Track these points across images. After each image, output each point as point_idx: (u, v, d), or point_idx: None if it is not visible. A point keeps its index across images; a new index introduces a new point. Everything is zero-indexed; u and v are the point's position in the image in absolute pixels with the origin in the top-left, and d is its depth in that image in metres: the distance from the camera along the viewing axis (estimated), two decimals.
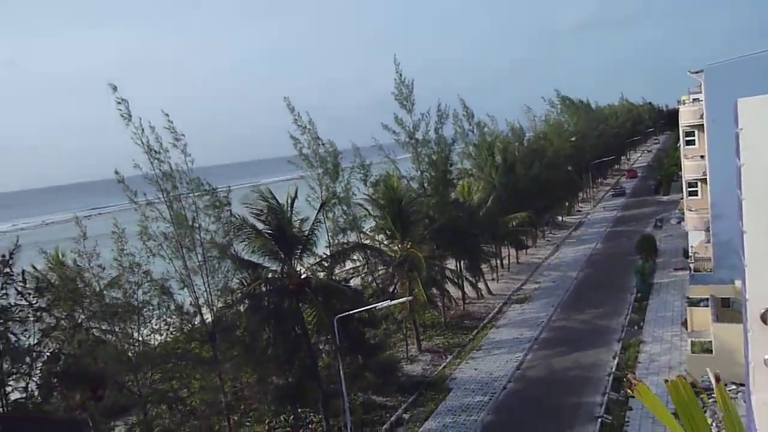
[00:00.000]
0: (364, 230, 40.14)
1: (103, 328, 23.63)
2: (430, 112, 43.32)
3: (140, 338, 23.92)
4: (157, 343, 24.20)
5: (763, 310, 3.27)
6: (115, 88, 23.21)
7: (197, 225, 25.37)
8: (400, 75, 41.22)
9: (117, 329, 23.31)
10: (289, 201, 31.09)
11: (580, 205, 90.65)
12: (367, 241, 39.17)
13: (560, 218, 78.57)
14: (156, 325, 23.95)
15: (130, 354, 23.59)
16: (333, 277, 31.39)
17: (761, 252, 3.24)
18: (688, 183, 51.09)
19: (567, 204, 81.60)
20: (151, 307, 23.83)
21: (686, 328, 35.48)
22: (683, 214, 56.15)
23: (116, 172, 23.59)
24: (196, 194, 25.53)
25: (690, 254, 51.84)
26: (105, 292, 23.46)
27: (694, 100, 53.96)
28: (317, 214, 31.39)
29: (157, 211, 24.62)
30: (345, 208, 36.45)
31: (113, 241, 23.58)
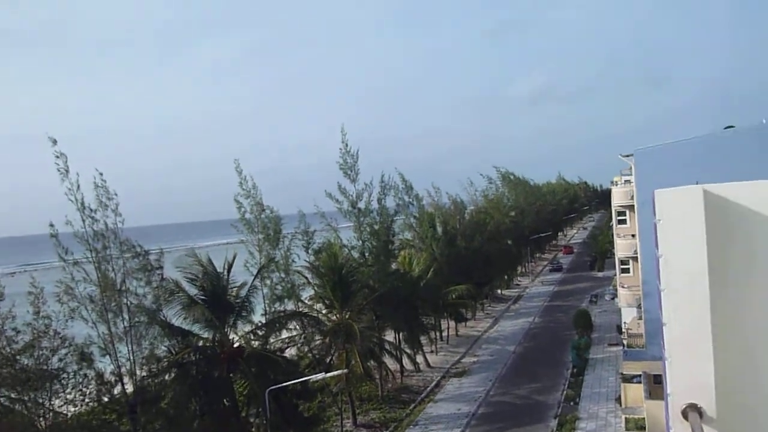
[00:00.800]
0: (302, 299, 39.39)
1: (12, 396, 21.89)
2: (373, 183, 43.74)
3: (52, 409, 22.22)
4: (70, 415, 22.54)
5: (684, 406, 3.16)
6: (54, 142, 22.52)
7: (125, 288, 24.31)
8: (346, 145, 41.71)
9: (27, 398, 21.62)
10: (227, 266, 30.40)
11: (519, 278, 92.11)
12: (305, 310, 38.39)
13: (499, 291, 79.48)
14: (71, 394, 22.34)
15: (40, 426, 21.84)
16: (267, 347, 30.43)
17: (681, 346, 3.16)
18: (621, 261, 52.75)
19: (506, 277, 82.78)
20: (67, 375, 22.30)
21: (620, 404, 35.72)
22: (617, 290, 57.70)
23: (51, 225, 22.58)
24: (126, 256, 24.58)
25: (623, 330, 52.96)
26: (18, 357, 21.88)
27: (625, 181, 56.53)
28: (254, 280, 30.67)
29: (84, 272, 23.54)
30: (283, 275, 35.79)
31: (29, 303, 22.22)
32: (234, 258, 31.45)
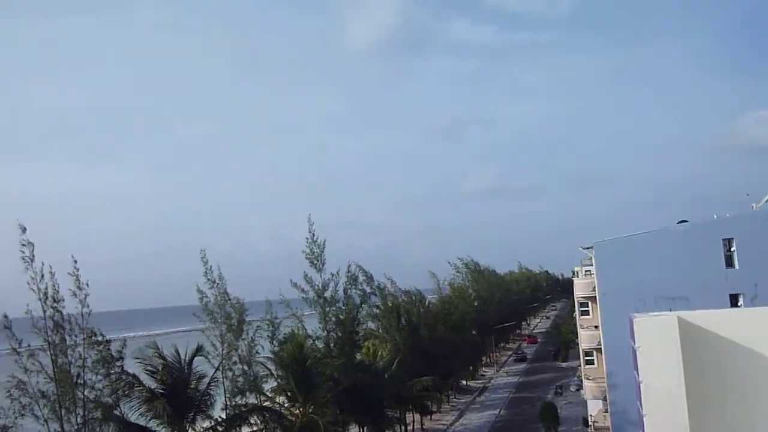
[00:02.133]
0: (264, 391, 38.24)
1: None
2: (340, 272, 43.74)
3: None
4: None
5: None
6: (24, 230, 22.16)
7: (82, 381, 23.36)
8: (313, 234, 41.93)
9: None
10: (187, 359, 29.60)
11: (483, 369, 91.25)
12: (267, 404, 37.18)
13: (464, 382, 78.41)
14: None
15: None
16: None
17: None
18: (585, 352, 53.03)
19: (471, 368, 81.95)
20: None
21: None
22: (582, 381, 57.62)
23: (5, 316, 21.82)
24: (86, 346, 23.78)
25: (590, 423, 52.50)
26: None
27: (586, 272, 57.77)
28: (214, 372, 29.83)
29: (39, 365, 22.61)
30: (246, 367, 34.88)
31: None
32: (197, 350, 30.68)
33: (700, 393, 3.01)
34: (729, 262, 40.13)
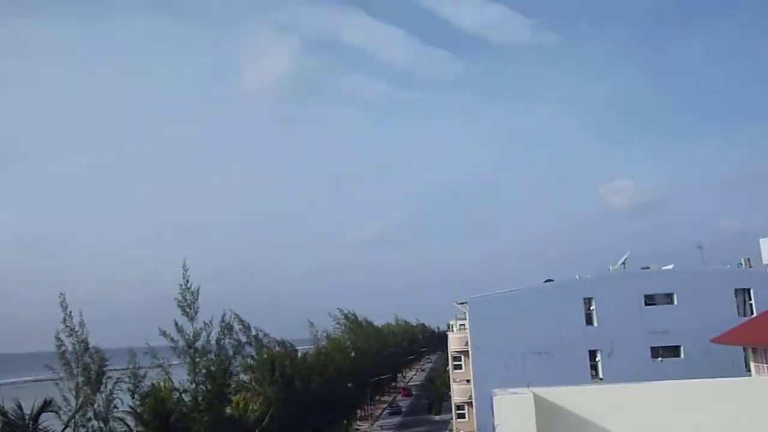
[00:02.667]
0: None
1: None
2: (213, 321, 41.94)
3: None
4: None
5: None
6: None
7: None
8: (187, 281, 40.09)
9: None
10: (33, 414, 26.92)
11: (358, 422, 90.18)
12: None
13: None
14: None
15: None
16: None
17: None
18: (457, 405, 53.99)
19: (345, 422, 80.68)
20: None
21: None
22: None
23: None
24: None
25: None
26: None
27: (461, 326, 59.35)
28: (64, 430, 27.25)
29: None
30: (102, 424, 32.16)
31: None
32: (45, 404, 27.99)
33: None
34: (589, 320, 42.90)
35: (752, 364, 30.07)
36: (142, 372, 37.82)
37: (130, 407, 36.34)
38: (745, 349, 31.57)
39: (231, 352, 45.20)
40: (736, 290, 42.03)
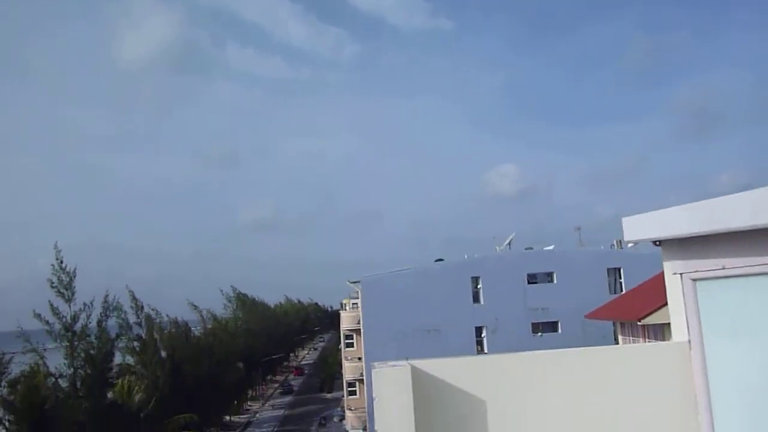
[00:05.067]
0: None
1: None
2: (94, 303, 39.80)
3: None
4: None
5: None
6: None
7: None
8: (61, 261, 37.66)
9: None
10: None
11: (249, 403, 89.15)
12: None
13: (228, 418, 75.70)
14: None
15: None
16: None
17: None
18: (348, 383, 54.63)
19: (236, 403, 79.49)
20: None
21: None
22: (344, 412, 59.16)
23: None
24: None
25: None
26: None
27: (353, 305, 59.90)
28: None
29: None
30: None
31: None
32: None
33: None
34: (476, 298, 44.66)
35: (620, 337, 32.50)
36: (7, 357, 35.26)
37: None
38: (614, 324, 34.05)
39: (114, 334, 43.16)
40: (609, 269, 45.22)
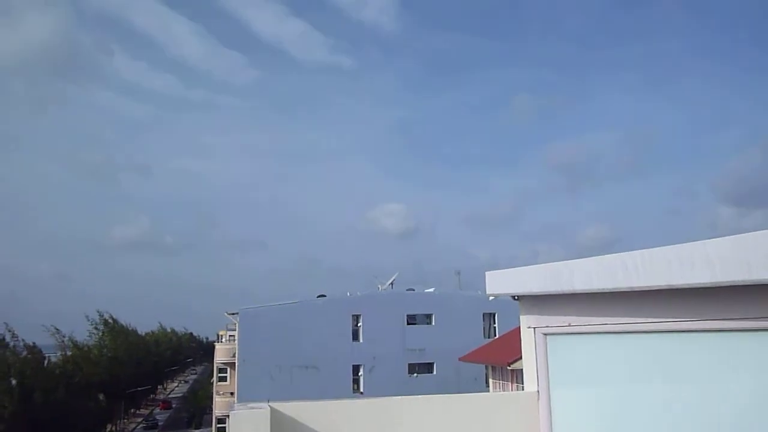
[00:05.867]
0: None
1: None
2: None
3: None
4: None
5: None
6: None
7: None
8: None
9: None
10: None
11: None
12: None
13: None
14: None
15: None
16: None
17: None
18: (218, 419, 52.50)
19: None
20: None
21: None
22: None
23: None
24: None
25: None
26: None
27: (230, 337, 58.10)
28: None
29: None
30: None
31: None
32: None
33: None
34: (355, 336, 44.77)
35: (491, 380, 33.76)
36: None
37: None
38: (486, 367, 35.36)
39: None
40: (484, 314, 46.99)
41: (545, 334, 4.54)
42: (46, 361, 59.59)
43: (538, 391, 4.51)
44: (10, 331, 50.91)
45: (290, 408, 3.63)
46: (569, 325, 4.30)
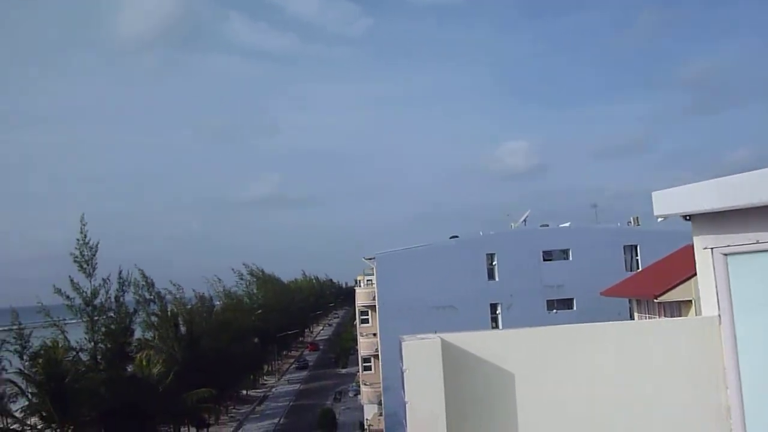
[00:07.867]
0: (13, 413, 33.70)
1: None
2: (111, 278, 40.32)
3: None
4: None
5: None
6: None
7: None
8: (85, 236, 38.12)
9: None
10: None
11: (265, 377, 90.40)
12: (16, 426, 32.83)
13: (245, 392, 76.90)
14: None
15: None
16: None
17: None
18: (363, 358, 55.01)
19: (252, 377, 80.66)
20: None
21: None
22: (359, 386, 59.77)
23: None
24: None
25: (365, 426, 54.60)
26: None
27: (368, 281, 60.15)
28: None
29: None
30: None
31: None
32: None
33: (459, 411, 3.27)
34: (491, 275, 44.63)
35: (636, 314, 32.43)
36: (27, 331, 35.91)
37: (20, 369, 34.63)
38: (630, 301, 33.98)
39: (132, 309, 43.80)
40: (625, 247, 44.92)
41: (725, 254, 4.15)
42: (214, 310, 65.26)
43: (719, 315, 4.16)
44: (175, 284, 56.26)
45: (456, 338, 3.61)
46: (756, 242, 3.89)
